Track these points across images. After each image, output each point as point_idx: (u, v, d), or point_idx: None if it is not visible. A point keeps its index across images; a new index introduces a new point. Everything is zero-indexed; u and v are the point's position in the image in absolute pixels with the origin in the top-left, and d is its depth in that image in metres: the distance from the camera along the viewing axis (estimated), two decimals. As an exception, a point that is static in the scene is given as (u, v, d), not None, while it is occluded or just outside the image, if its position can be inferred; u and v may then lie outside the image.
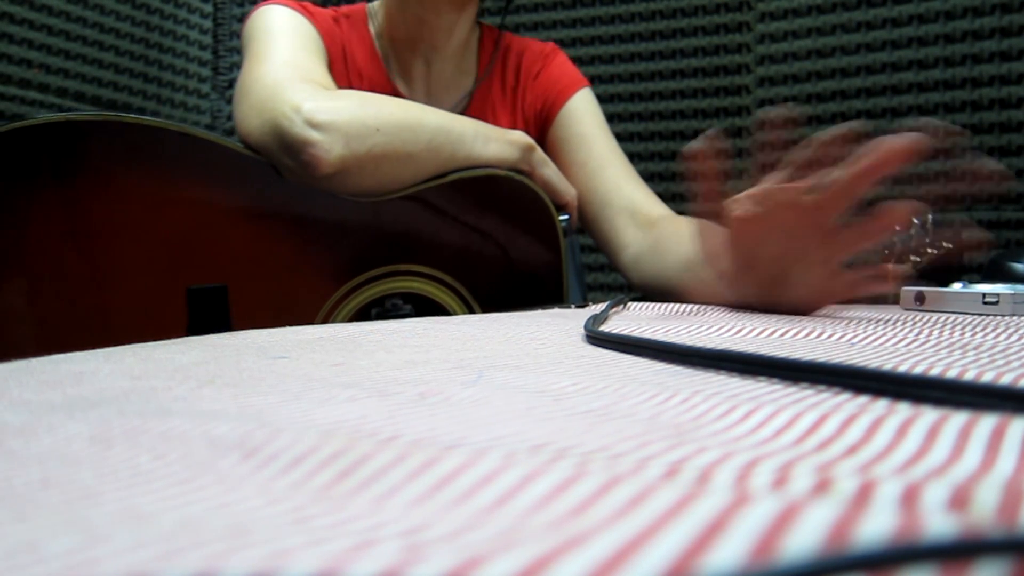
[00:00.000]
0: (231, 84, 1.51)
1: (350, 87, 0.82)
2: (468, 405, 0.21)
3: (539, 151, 0.76)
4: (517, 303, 0.72)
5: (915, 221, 0.91)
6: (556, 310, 0.62)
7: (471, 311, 0.73)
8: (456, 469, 0.14)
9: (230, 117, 1.51)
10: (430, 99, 0.86)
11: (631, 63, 1.32)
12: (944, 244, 0.89)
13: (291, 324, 0.66)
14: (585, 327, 0.38)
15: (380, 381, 0.25)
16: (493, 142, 0.72)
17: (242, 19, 1.50)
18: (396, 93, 0.84)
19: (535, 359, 0.31)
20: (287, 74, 0.69)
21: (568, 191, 0.78)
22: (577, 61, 1.15)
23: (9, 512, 0.13)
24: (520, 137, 0.74)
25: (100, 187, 0.60)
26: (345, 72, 0.83)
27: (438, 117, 0.70)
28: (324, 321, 0.68)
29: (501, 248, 0.74)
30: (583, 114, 0.88)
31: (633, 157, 0.89)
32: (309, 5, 0.81)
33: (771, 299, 0.53)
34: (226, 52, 1.52)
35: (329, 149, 0.64)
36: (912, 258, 0.87)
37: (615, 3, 1.32)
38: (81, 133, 0.59)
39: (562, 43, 1.35)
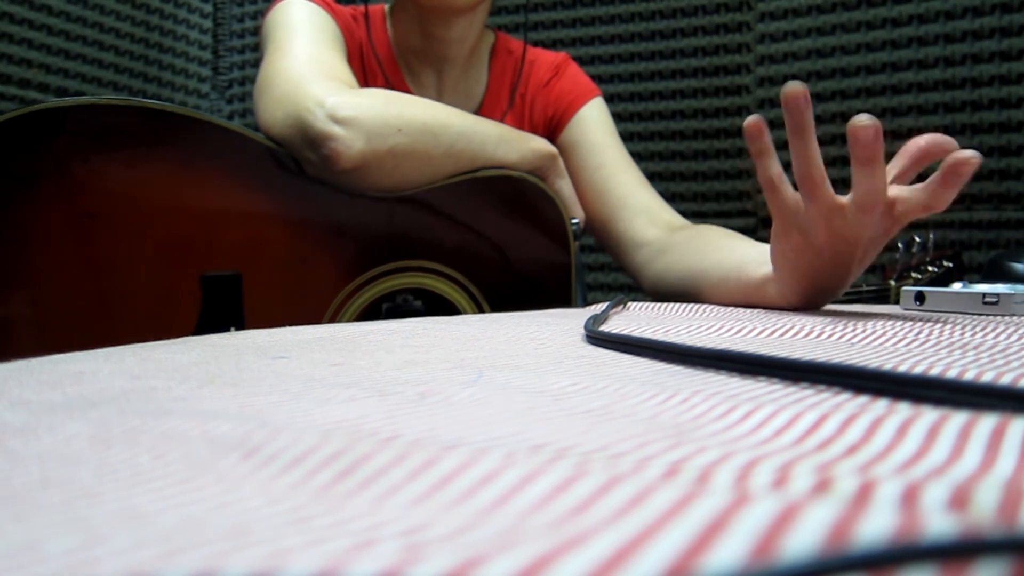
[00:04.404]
0: (231, 84, 1.51)
1: (366, 86, 0.82)
2: (468, 405, 0.21)
3: (561, 163, 0.76)
4: (525, 303, 0.72)
5: (916, 239, 0.91)
6: (557, 310, 0.62)
7: (480, 309, 0.73)
8: (456, 469, 0.14)
9: (230, 117, 1.51)
10: None
11: (631, 63, 1.32)
12: (945, 263, 0.89)
13: (302, 316, 0.67)
14: (585, 327, 0.38)
15: (380, 381, 0.25)
16: (515, 150, 0.72)
17: (242, 19, 1.50)
18: (409, 94, 0.84)
19: (535, 359, 0.31)
20: (311, 69, 0.69)
21: (576, 212, 0.78)
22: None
23: (9, 512, 0.13)
24: (544, 145, 0.75)
25: (119, 171, 0.60)
26: (361, 70, 0.83)
27: (463, 121, 0.70)
28: (335, 314, 0.69)
29: (512, 248, 0.74)
30: (595, 122, 0.87)
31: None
32: (330, 0, 0.81)
33: (835, 282, 0.51)
34: (226, 52, 1.52)
35: (350, 145, 0.64)
36: (913, 275, 0.87)
37: (615, 3, 1.32)
38: (103, 117, 0.59)
39: (561, 43, 1.35)
